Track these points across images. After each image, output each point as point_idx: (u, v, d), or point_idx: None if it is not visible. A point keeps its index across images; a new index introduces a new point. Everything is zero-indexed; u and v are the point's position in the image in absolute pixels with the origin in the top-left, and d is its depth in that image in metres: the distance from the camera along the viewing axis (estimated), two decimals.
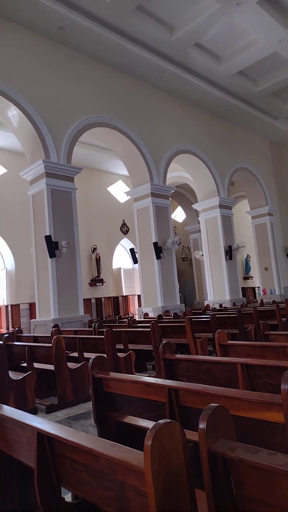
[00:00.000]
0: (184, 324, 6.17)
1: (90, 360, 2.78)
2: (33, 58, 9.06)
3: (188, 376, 3.15)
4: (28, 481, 2.25)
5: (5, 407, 2.11)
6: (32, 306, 12.53)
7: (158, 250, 10.99)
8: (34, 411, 4.50)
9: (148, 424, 2.64)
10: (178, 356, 3.25)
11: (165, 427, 1.19)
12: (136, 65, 10.72)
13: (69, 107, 9.56)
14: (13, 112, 8.74)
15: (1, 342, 5.02)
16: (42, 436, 1.68)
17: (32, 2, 8.18)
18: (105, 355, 3.77)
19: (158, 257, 10.98)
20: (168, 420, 1.23)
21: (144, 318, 9.91)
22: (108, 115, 10.38)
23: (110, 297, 15.35)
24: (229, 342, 3.86)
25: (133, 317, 12.97)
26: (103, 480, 1.45)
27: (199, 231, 15.97)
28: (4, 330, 12.00)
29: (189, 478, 1.22)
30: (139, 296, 15.46)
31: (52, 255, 8.67)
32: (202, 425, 1.28)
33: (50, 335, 6.65)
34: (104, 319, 14.09)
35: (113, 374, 2.73)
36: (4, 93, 8.33)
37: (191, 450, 1.35)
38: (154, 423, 2.58)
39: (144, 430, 2.83)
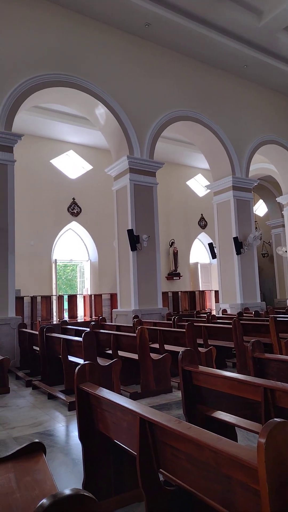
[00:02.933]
0: (267, 323, 5.94)
1: (180, 353, 2.82)
2: (119, 56, 9.31)
3: (279, 376, 3.03)
4: (123, 462, 2.37)
5: (104, 390, 2.24)
6: (113, 297, 13.06)
7: (239, 245, 10.68)
8: None
9: (237, 421, 2.61)
10: (268, 355, 3.15)
11: (279, 426, 1.17)
12: (221, 55, 10.45)
13: (152, 102, 9.68)
14: (101, 111, 9.11)
15: (89, 329, 5.33)
16: (144, 422, 1.76)
17: (120, 1, 8.39)
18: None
19: (238, 253, 10.68)
20: (280, 420, 1.20)
21: (223, 314, 9.74)
22: (190, 108, 10.30)
23: (186, 292, 15.34)
24: None
25: (210, 312, 12.82)
26: (206, 471, 1.47)
27: (283, 225, 15.18)
28: (88, 318, 12.71)
29: None
30: (216, 292, 15.22)
31: (133, 248, 8.93)
32: None
33: (131, 325, 6.89)
34: (180, 312, 14.14)
35: (202, 368, 2.74)
36: (92, 92, 8.72)
37: None
38: (243, 420, 2.55)
39: (232, 426, 2.80)
